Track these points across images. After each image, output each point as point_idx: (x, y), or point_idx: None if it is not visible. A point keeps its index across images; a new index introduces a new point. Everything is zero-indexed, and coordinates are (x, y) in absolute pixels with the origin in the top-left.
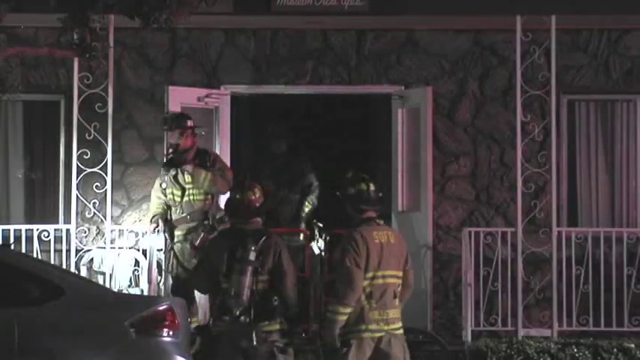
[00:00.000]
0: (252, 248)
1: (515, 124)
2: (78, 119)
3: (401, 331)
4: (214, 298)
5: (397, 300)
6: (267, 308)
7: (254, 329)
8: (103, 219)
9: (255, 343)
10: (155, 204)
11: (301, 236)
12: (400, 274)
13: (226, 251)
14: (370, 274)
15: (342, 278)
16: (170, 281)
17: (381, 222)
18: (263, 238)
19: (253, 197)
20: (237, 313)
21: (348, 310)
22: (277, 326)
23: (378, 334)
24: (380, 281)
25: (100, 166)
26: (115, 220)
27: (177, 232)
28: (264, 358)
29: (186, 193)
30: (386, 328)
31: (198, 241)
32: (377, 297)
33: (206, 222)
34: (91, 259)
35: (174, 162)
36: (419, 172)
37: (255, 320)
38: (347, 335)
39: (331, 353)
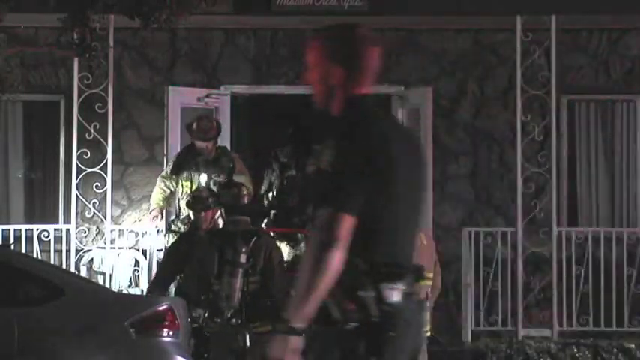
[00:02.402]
0: (243, 250)
1: (516, 124)
2: (78, 119)
3: (428, 333)
4: (205, 300)
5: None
6: (259, 309)
7: (246, 330)
8: (103, 219)
9: (247, 344)
10: None
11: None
12: (431, 275)
13: (216, 252)
14: None
15: None
16: None
17: None
18: (253, 239)
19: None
20: (229, 314)
21: None
22: (269, 327)
23: None
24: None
25: (100, 166)
26: (115, 220)
27: None
28: None
29: None
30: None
31: None
32: None
33: None
34: (91, 259)
35: None
36: None
37: (247, 321)
38: None
39: None
